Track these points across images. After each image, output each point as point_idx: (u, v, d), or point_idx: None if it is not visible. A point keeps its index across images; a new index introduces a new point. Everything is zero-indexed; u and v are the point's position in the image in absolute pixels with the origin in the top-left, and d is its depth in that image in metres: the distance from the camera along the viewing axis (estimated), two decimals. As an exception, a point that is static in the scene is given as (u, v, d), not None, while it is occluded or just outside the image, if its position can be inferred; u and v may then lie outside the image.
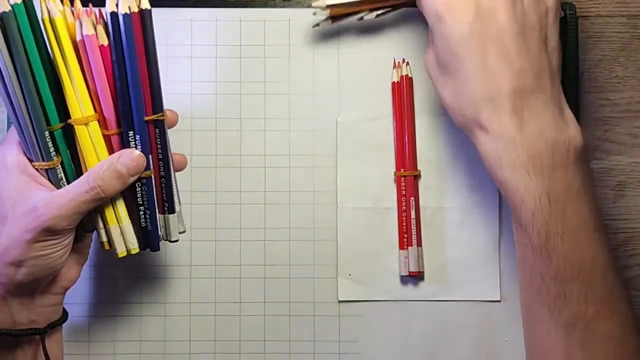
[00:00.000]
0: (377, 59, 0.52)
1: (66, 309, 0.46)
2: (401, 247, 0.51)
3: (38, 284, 0.41)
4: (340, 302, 0.51)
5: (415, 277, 0.51)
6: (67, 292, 0.45)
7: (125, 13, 0.38)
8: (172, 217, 0.44)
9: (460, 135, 0.52)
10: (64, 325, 0.46)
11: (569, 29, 0.52)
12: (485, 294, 0.51)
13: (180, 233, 0.45)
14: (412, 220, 0.51)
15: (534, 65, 0.41)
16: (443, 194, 0.52)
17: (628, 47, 0.53)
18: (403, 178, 0.51)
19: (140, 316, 0.51)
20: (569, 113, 0.42)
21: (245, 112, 0.52)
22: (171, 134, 0.45)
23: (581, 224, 0.40)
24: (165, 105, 0.43)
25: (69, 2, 0.40)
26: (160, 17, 0.52)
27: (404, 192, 0.51)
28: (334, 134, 0.52)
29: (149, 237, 0.43)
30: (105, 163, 0.40)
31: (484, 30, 0.40)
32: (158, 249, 0.44)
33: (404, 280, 0.51)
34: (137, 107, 0.40)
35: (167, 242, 0.45)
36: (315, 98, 0.52)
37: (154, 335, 0.51)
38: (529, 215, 0.40)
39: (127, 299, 0.51)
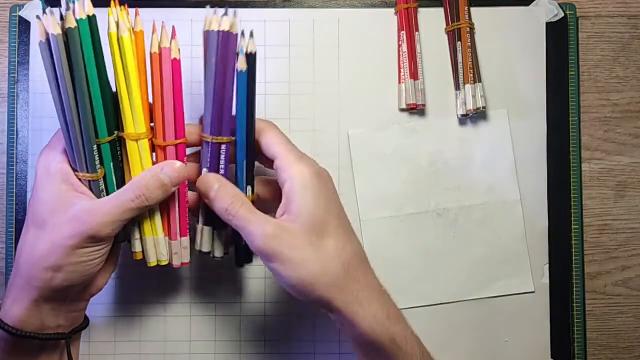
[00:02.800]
0: (377, 58, 0.52)
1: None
2: None
3: (72, 290, 0.41)
4: None
5: None
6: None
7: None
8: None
9: (472, 133, 0.52)
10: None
11: (569, 29, 0.53)
12: (518, 287, 0.52)
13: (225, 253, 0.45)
14: None
15: None
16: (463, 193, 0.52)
17: (628, 47, 0.53)
18: None
19: (140, 316, 0.51)
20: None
21: (245, 112, 0.52)
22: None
23: None
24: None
25: (130, 19, 0.40)
26: (160, 17, 0.52)
27: None
28: (335, 134, 0.52)
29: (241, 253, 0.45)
30: (149, 173, 0.41)
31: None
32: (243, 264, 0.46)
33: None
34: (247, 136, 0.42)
35: (212, 257, 0.45)
36: (315, 98, 0.52)
37: (154, 336, 0.51)
38: None
39: (127, 299, 0.51)
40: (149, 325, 0.51)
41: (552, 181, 0.52)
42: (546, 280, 0.51)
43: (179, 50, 0.41)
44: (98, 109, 0.40)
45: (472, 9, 0.52)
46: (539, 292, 0.51)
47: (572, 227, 0.52)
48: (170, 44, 0.41)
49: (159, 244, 0.43)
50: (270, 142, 0.42)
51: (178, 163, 0.42)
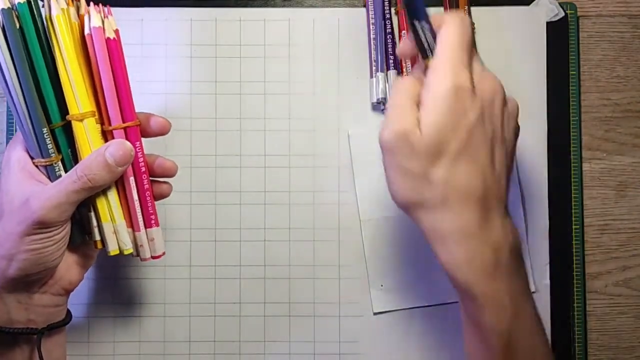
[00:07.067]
0: (377, 58, 0.52)
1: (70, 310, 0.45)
2: None
3: (31, 280, 0.41)
4: (375, 314, 0.51)
5: None
6: (66, 292, 0.44)
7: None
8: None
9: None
10: (63, 326, 0.45)
11: (570, 28, 0.52)
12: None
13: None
14: None
15: (497, 169, 0.39)
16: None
17: (629, 46, 0.53)
18: None
19: (139, 317, 0.51)
20: (509, 216, 0.40)
21: (245, 112, 0.52)
22: (171, 134, 0.44)
23: (533, 323, 0.40)
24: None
25: (72, 2, 0.40)
26: (160, 16, 0.52)
27: None
28: (335, 134, 0.52)
29: None
30: (94, 153, 0.40)
31: (456, 126, 0.38)
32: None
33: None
34: None
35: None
36: (316, 98, 0.52)
37: (153, 336, 0.51)
38: (493, 320, 0.38)
39: (127, 299, 0.51)
40: (149, 326, 0.51)
41: (553, 181, 0.52)
42: (547, 280, 0.51)
43: (116, 30, 0.40)
44: (48, 93, 0.40)
45: (472, 9, 0.52)
46: (539, 292, 0.51)
47: (573, 227, 0.52)
48: (103, 23, 0.39)
49: (119, 232, 0.42)
50: (441, 39, 0.39)
51: (125, 143, 0.41)
